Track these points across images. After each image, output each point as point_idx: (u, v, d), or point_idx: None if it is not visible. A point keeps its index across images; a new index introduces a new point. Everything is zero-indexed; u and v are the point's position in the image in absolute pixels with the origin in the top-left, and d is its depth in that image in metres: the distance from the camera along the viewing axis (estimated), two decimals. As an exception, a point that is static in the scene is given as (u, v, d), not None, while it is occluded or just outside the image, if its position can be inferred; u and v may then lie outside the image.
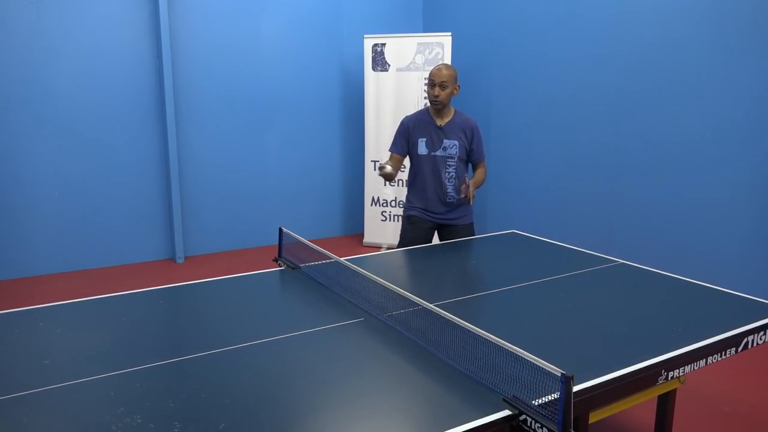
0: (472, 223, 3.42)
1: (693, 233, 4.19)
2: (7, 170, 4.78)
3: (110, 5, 4.97)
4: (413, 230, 3.32)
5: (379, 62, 5.71)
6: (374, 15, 6.21)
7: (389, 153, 3.36)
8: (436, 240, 3.38)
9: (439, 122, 3.26)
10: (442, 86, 3.17)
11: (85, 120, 5.00)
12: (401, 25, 6.35)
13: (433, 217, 3.33)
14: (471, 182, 3.17)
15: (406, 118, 3.37)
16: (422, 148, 3.26)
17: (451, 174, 3.27)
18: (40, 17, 4.72)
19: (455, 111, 3.31)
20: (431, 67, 5.57)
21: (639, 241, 4.51)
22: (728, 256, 4.01)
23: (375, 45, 5.69)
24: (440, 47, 5.59)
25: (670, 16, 4.20)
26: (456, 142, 3.25)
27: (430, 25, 6.43)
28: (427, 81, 3.23)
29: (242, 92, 5.61)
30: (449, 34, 5.58)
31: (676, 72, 4.21)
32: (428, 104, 3.30)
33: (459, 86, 3.27)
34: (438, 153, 3.25)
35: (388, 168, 3.04)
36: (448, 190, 3.27)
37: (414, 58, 5.63)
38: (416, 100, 5.62)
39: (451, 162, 3.26)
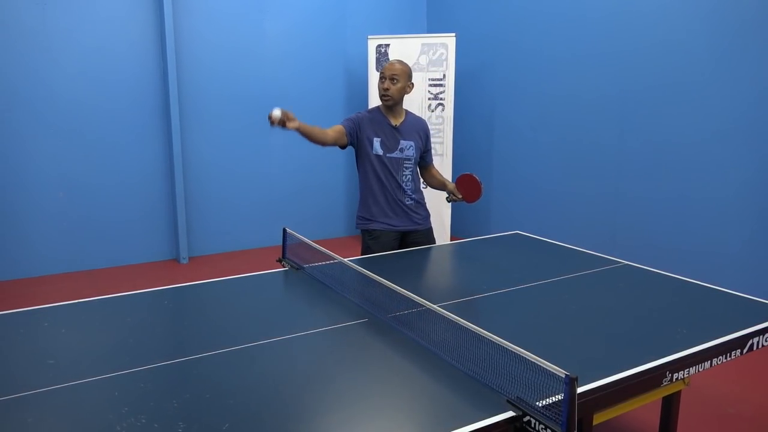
0: (431, 228, 3.24)
1: (697, 234, 4.18)
2: (12, 171, 4.80)
3: (115, 7, 4.98)
4: (378, 246, 3.05)
5: (383, 63, 5.71)
6: (378, 16, 6.22)
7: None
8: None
9: (394, 122, 3.04)
10: (393, 80, 2.96)
11: (89, 121, 5.02)
12: (405, 26, 6.35)
13: (396, 227, 3.09)
14: (452, 188, 3.17)
15: (359, 112, 3.10)
16: (378, 148, 3.01)
17: (407, 177, 3.07)
18: (45, 18, 4.74)
19: (406, 111, 3.13)
20: (436, 69, 5.64)
21: (643, 242, 4.50)
22: (733, 257, 3.99)
23: (379, 46, 5.69)
24: (444, 48, 5.59)
25: (673, 17, 4.19)
26: (412, 143, 3.06)
27: (434, 26, 6.43)
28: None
29: (246, 93, 5.62)
30: (453, 34, 5.58)
31: (679, 73, 4.20)
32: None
33: (413, 84, 3.07)
34: (395, 155, 3.02)
35: (277, 111, 2.56)
36: (408, 192, 3.08)
37: (418, 59, 5.63)
38: (420, 100, 5.62)
39: (408, 164, 3.06)
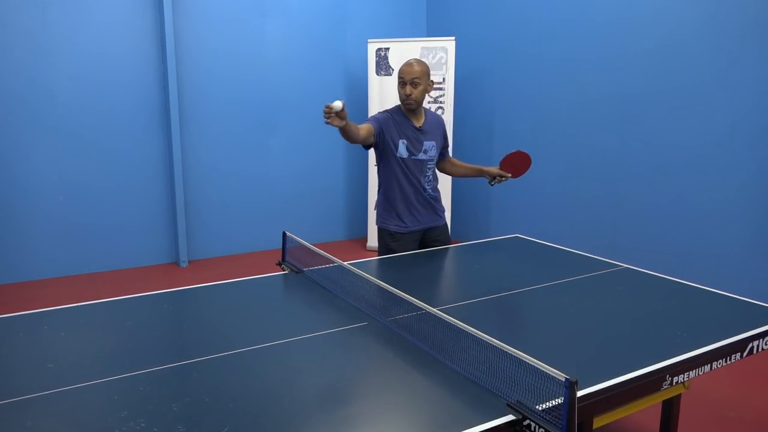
0: (446, 224, 3.26)
1: (697, 237, 4.18)
2: (12, 174, 4.80)
3: (115, 10, 4.99)
4: (400, 247, 3.04)
5: (383, 66, 5.72)
6: (378, 19, 6.23)
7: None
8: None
9: (417, 123, 2.99)
10: (414, 83, 2.87)
11: (89, 124, 5.02)
12: (405, 30, 6.36)
13: (419, 225, 3.09)
14: (496, 171, 3.21)
15: (382, 112, 3.02)
16: (402, 151, 2.96)
17: (429, 177, 3.08)
18: (45, 22, 4.75)
19: (425, 110, 3.08)
20: (435, 72, 5.63)
21: (643, 245, 4.50)
22: (733, 260, 3.99)
23: (379, 49, 5.70)
24: (444, 51, 5.60)
25: (674, 20, 4.20)
26: (434, 143, 3.04)
27: (433, 30, 6.44)
28: (397, 79, 2.96)
29: (246, 97, 5.63)
30: (453, 38, 5.59)
31: (679, 76, 4.20)
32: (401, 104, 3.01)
33: (432, 82, 3.00)
34: (420, 156, 3.00)
35: (339, 103, 2.54)
36: (429, 191, 3.08)
37: (418, 63, 5.64)
38: (420, 104, 5.62)
39: (430, 165, 3.07)
